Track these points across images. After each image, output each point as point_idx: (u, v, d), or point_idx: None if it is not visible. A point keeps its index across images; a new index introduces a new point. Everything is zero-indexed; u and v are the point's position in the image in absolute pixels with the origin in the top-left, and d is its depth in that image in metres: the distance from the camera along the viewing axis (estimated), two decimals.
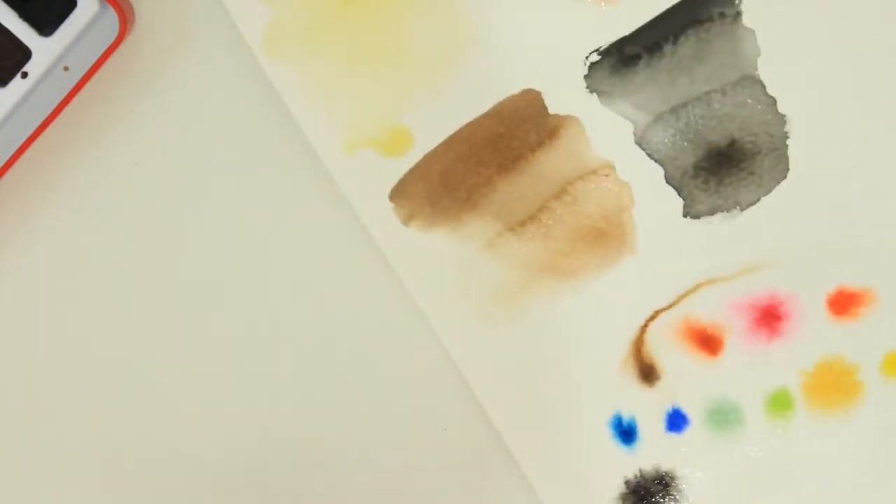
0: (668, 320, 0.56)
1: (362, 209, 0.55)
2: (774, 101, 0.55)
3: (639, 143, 0.55)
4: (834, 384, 0.56)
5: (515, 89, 0.55)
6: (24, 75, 0.53)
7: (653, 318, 0.56)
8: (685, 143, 0.55)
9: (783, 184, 0.55)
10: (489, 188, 0.55)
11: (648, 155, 0.55)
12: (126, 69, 0.55)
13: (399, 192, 0.55)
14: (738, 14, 0.54)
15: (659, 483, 0.56)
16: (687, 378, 0.56)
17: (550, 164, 0.55)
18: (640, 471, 0.56)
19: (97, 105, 0.55)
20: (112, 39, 0.53)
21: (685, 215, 0.56)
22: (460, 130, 0.55)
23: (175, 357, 0.58)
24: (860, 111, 0.54)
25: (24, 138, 0.54)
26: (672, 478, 0.56)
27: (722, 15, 0.54)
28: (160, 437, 0.57)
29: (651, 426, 0.56)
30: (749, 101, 0.55)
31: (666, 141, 0.55)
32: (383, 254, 0.56)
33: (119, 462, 0.57)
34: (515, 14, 0.54)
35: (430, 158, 0.55)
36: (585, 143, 0.55)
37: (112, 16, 0.53)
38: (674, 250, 0.56)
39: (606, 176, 0.56)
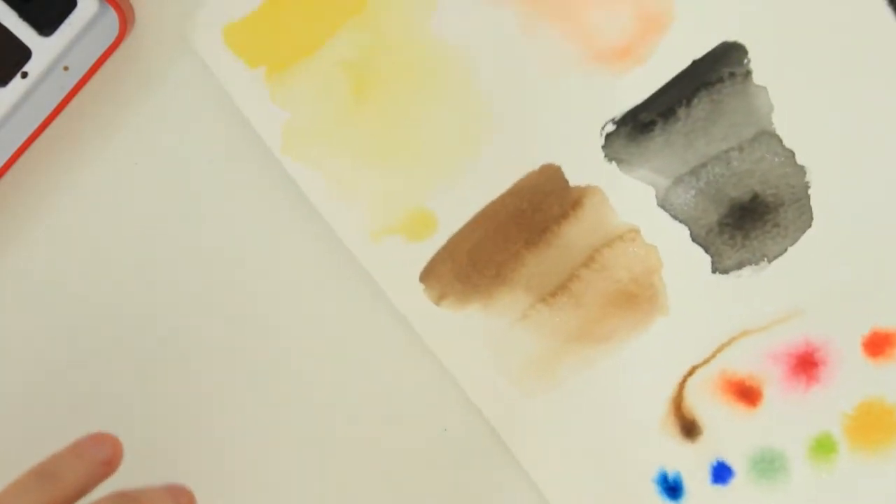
0: (706, 375, 0.57)
1: (394, 293, 0.56)
2: (792, 153, 0.55)
3: (661, 205, 0.56)
4: (876, 425, 0.56)
5: (534, 165, 0.56)
6: (24, 75, 0.53)
7: (690, 373, 0.57)
8: (708, 202, 0.55)
9: (808, 232, 0.56)
10: (518, 262, 0.56)
11: (672, 216, 0.56)
12: (126, 69, 0.55)
13: (429, 274, 0.56)
14: (748, 73, 0.54)
15: None
16: (729, 430, 0.57)
17: (576, 234, 0.56)
18: None
19: (97, 105, 0.55)
20: (112, 39, 0.53)
21: (714, 271, 0.56)
22: (484, 210, 0.56)
23: (175, 357, 0.58)
24: (877, 155, 0.54)
25: (24, 138, 0.54)
26: None
27: (732, 75, 0.55)
28: (159, 451, 0.58)
29: (697, 480, 0.57)
30: (767, 155, 0.55)
31: (688, 201, 0.55)
32: (419, 335, 0.56)
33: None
34: (528, 92, 0.55)
35: (456, 239, 0.56)
36: (609, 211, 0.56)
37: (112, 16, 0.53)
38: (706, 306, 0.56)
39: (633, 240, 0.56)
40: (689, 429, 0.57)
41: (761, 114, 0.55)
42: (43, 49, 0.53)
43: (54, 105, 0.53)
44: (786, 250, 0.56)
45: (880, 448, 0.56)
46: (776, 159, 0.55)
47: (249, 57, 0.55)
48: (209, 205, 0.57)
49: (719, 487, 0.57)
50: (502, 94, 0.55)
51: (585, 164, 0.55)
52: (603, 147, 0.55)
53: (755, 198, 0.56)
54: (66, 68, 0.53)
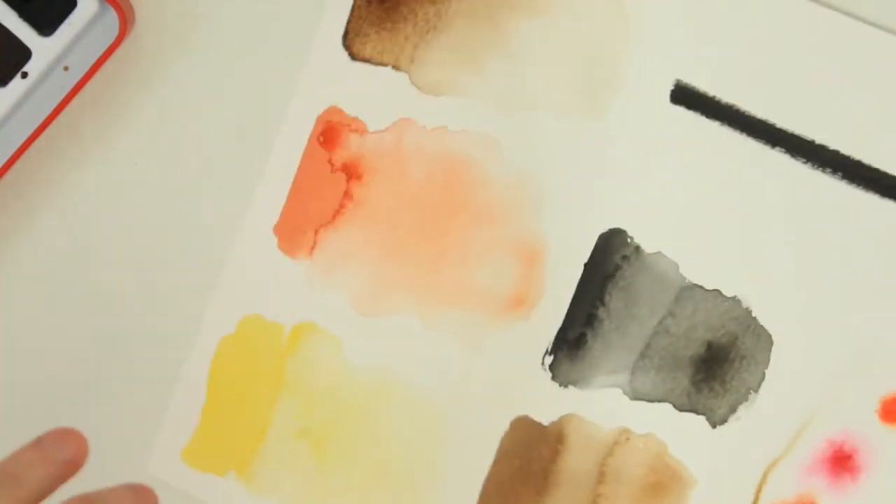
0: None
1: None
2: (718, 291, 0.55)
3: (635, 398, 0.56)
4: None
5: (504, 425, 0.56)
6: (24, 75, 0.53)
7: None
8: (671, 372, 0.56)
9: (774, 349, 0.56)
10: None
11: (650, 401, 0.56)
12: (126, 69, 0.55)
13: None
14: (637, 248, 0.55)
15: None
16: None
17: (576, 462, 0.57)
18: None
19: (97, 105, 0.55)
20: (112, 39, 0.53)
21: (714, 426, 0.56)
22: (485, 486, 0.57)
23: (174, 357, 0.58)
24: (791, 253, 0.55)
25: (24, 138, 0.54)
26: None
27: (625, 257, 0.55)
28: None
29: None
30: (698, 306, 0.55)
31: (655, 381, 0.56)
32: None
33: None
34: (470, 381, 0.56)
35: None
36: (592, 427, 0.56)
37: (112, 16, 0.53)
38: (724, 460, 0.56)
39: (627, 440, 0.57)
40: None
41: (670, 274, 0.55)
42: (43, 49, 0.53)
43: (54, 105, 0.53)
44: (764, 374, 0.56)
45: None
46: (707, 304, 0.55)
47: (215, 467, 0.57)
48: (208, 205, 0.56)
49: None
50: (445, 394, 0.56)
51: (547, 401, 0.56)
52: (553, 378, 0.56)
53: (710, 345, 0.56)
54: (66, 68, 0.53)
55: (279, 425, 0.57)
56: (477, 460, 0.57)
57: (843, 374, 0.56)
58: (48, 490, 0.44)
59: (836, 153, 0.54)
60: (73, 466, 0.45)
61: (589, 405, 0.57)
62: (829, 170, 0.55)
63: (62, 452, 0.45)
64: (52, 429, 0.46)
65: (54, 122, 0.54)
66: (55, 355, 0.58)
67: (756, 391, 0.56)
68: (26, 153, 0.54)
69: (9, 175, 0.55)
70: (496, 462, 0.57)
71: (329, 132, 0.55)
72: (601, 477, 0.57)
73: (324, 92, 0.55)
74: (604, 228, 0.55)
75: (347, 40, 0.55)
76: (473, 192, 0.55)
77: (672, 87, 0.55)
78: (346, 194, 0.55)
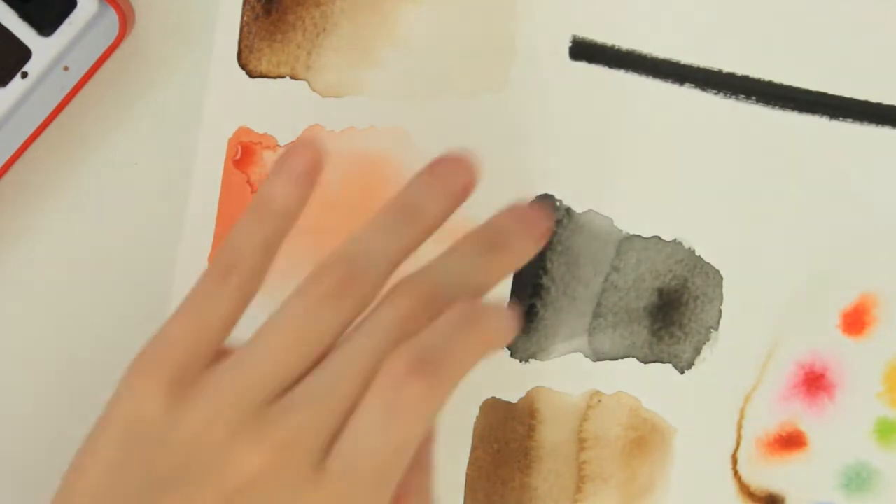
0: (747, 454, 0.56)
1: None
2: (658, 237, 0.55)
3: (598, 359, 0.56)
4: None
5: (474, 413, 0.56)
6: (24, 75, 0.52)
7: (735, 463, 0.56)
8: (629, 326, 0.55)
9: (725, 284, 0.55)
10: (530, 492, 0.57)
11: (614, 359, 0.56)
12: (126, 69, 0.55)
13: None
14: (568, 209, 0.55)
15: None
16: (804, 479, 0.56)
17: (552, 434, 0.56)
18: None
19: (97, 105, 0.55)
20: (112, 39, 0.52)
21: (682, 372, 0.56)
22: (468, 475, 0.57)
23: None
24: (722, 186, 0.54)
25: (23, 138, 0.53)
26: None
27: (558, 222, 0.55)
28: None
29: None
30: (639, 256, 0.55)
31: (614, 339, 0.56)
32: None
33: None
34: None
35: None
36: (561, 396, 0.56)
37: (112, 16, 0.52)
38: (700, 401, 0.56)
39: (599, 401, 0.56)
40: (771, 502, 0.56)
41: (607, 230, 0.55)
42: (43, 49, 0.52)
43: (54, 105, 0.53)
44: (721, 311, 0.56)
45: None
46: (650, 252, 0.55)
47: None
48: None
49: None
50: None
51: (512, 378, 0.56)
52: (512, 355, 0.56)
53: (661, 293, 0.55)
54: (66, 68, 0.53)
55: None
56: (455, 452, 0.57)
57: (799, 296, 0.55)
58: (445, 218, 0.45)
59: (745, 79, 0.54)
60: (466, 193, 0.45)
61: (554, 375, 0.56)
62: (742, 96, 0.54)
63: (458, 179, 0.45)
64: (442, 155, 0.46)
65: (54, 123, 0.54)
66: (54, 356, 0.57)
67: (716, 329, 0.56)
68: (26, 153, 0.54)
69: (9, 175, 0.54)
70: (474, 449, 0.57)
71: (243, 153, 0.55)
72: (582, 444, 0.57)
73: (230, 114, 0.55)
74: (530, 197, 0.55)
75: (242, 59, 0.55)
76: (392, 186, 0.54)
77: (570, 45, 0.54)
78: None
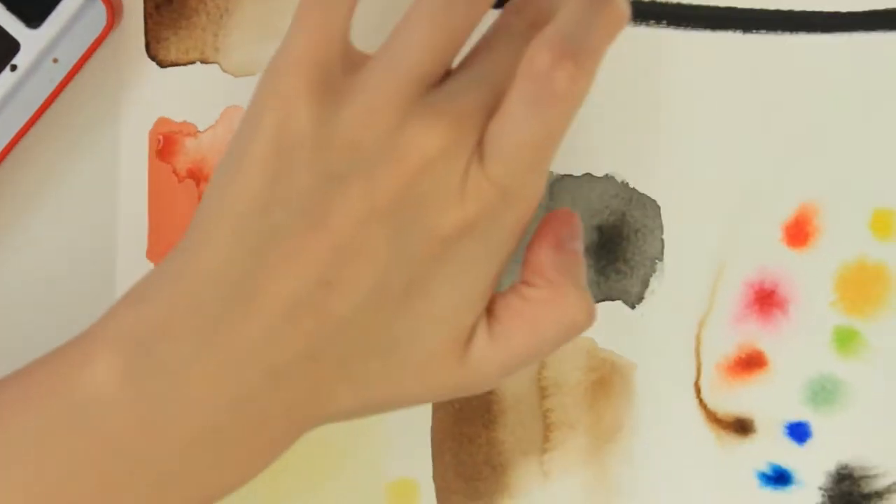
0: (710, 381, 0.56)
1: None
2: (589, 174, 0.55)
3: None
4: (859, 288, 0.55)
5: None
6: (14, 68, 0.52)
7: (698, 391, 0.56)
8: None
9: (663, 212, 0.55)
10: (497, 445, 0.56)
11: None
12: (115, 60, 0.54)
13: None
14: None
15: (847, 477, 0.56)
16: (770, 397, 0.56)
17: (511, 385, 0.56)
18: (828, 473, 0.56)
19: (87, 97, 0.55)
20: (101, 30, 0.52)
21: (633, 307, 0.56)
22: (433, 438, 0.56)
23: None
24: (642, 112, 0.54)
25: (14, 132, 0.53)
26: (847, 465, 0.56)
27: None
28: None
29: (783, 449, 0.56)
30: (574, 195, 0.55)
31: None
32: None
33: None
34: None
35: (437, 475, 0.56)
36: None
37: (99, 6, 0.52)
38: (654, 335, 0.56)
39: None
40: (740, 426, 0.56)
41: None
42: (31, 41, 0.52)
43: (44, 97, 0.53)
44: (663, 241, 0.55)
45: (880, 298, 0.55)
46: (583, 190, 0.55)
47: None
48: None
49: (810, 442, 0.56)
50: None
51: None
52: None
53: (601, 230, 0.55)
54: (55, 60, 0.53)
55: None
56: (415, 417, 0.56)
57: (738, 215, 0.55)
58: None
59: (650, 3, 0.54)
60: None
61: None
62: (652, 22, 0.54)
63: None
64: None
65: (44, 115, 0.53)
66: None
67: (661, 259, 0.55)
68: (16, 147, 0.54)
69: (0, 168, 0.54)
70: (435, 411, 0.56)
71: (164, 144, 0.55)
72: (543, 392, 0.56)
73: (146, 107, 0.55)
74: None
75: (151, 50, 0.54)
76: None
77: None
78: (200, 198, 0.54)
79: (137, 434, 0.42)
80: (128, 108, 0.54)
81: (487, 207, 0.43)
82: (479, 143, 0.43)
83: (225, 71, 0.54)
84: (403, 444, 0.56)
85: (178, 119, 0.55)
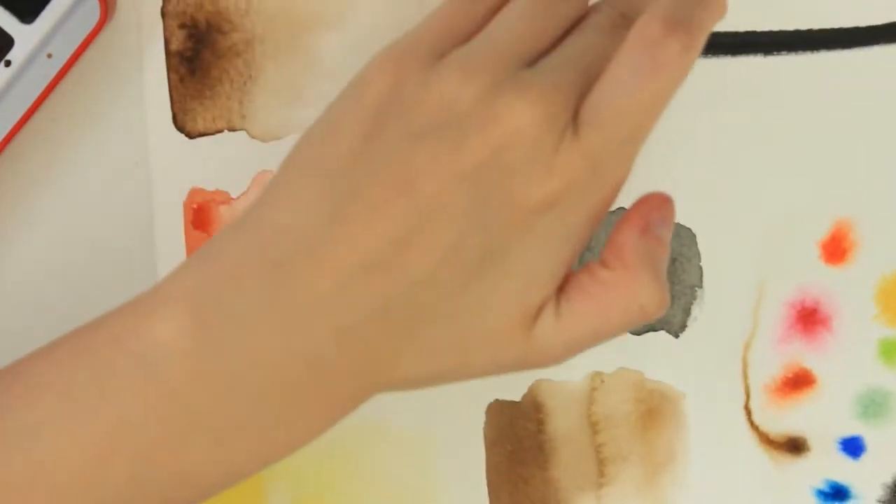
0: (759, 403, 0.56)
1: None
2: (622, 208, 0.55)
3: None
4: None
5: (481, 413, 0.56)
6: (8, 63, 0.52)
7: (749, 414, 0.56)
8: None
9: (699, 240, 0.55)
10: (551, 484, 0.57)
11: None
12: (109, 54, 0.54)
13: None
14: None
15: None
16: (819, 415, 0.56)
17: (563, 424, 0.56)
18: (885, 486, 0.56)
19: (81, 92, 0.55)
20: (94, 24, 0.52)
21: (676, 336, 0.56)
22: (489, 480, 0.56)
23: None
24: (673, 138, 0.54)
25: (9, 127, 0.53)
26: None
27: None
28: None
29: (838, 466, 0.56)
30: (607, 231, 0.55)
31: None
32: None
33: None
34: None
35: None
36: (563, 385, 0.56)
37: (93, 1, 0.52)
38: (701, 361, 0.56)
39: (602, 382, 0.56)
40: (793, 446, 0.56)
41: None
42: (25, 36, 0.52)
43: (38, 93, 0.53)
44: (701, 268, 0.55)
45: None
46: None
47: None
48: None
49: (865, 455, 0.56)
50: (415, 413, 0.56)
51: (511, 380, 0.56)
52: None
53: None
54: (49, 56, 0.52)
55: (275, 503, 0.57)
56: (470, 460, 0.57)
57: (774, 237, 0.55)
58: None
59: None
60: None
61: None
62: None
63: None
64: None
65: (38, 111, 0.53)
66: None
67: (700, 286, 0.55)
68: (11, 143, 0.53)
69: None
70: (489, 453, 0.57)
71: (199, 213, 0.55)
72: (594, 427, 0.56)
73: (178, 179, 0.55)
74: None
75: (178, 122, 0.55)
76: None
77: None
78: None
79: (202, 385, 0.42)
80: (160, 179, 0.55)
81: (575, 183, 0.42)
82: (573, 119, 0.43)
83: (252, 137, 0.55)
84: (460, 489, 0.57)
85: (211, 188, 0.55)
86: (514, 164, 0.42)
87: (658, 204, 0.46)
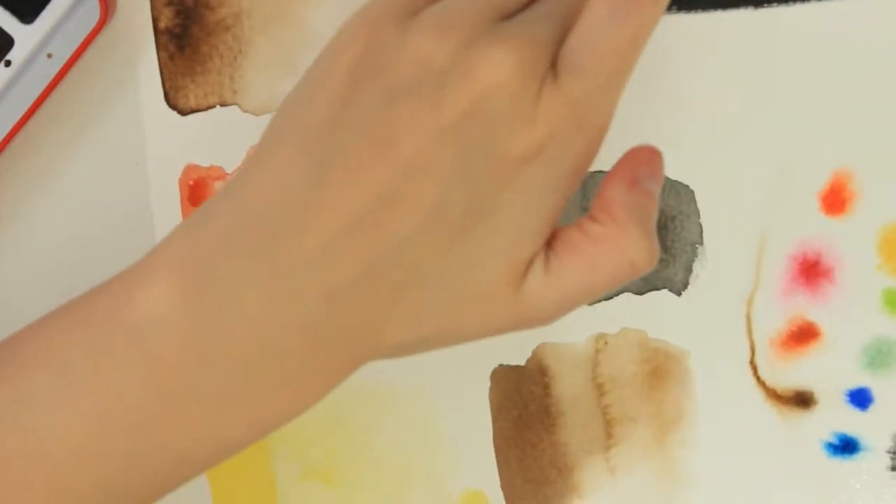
0: (764, 357, 0.56)
1: None
2: None
3: (592, 302, 0.55)
4: None
5: (487, 385, 0.56)
6: (8, 63, 0.52)
7: (755, 369, 0.56)
8: None
9: (698, 198, 0.55)
10: (560, 448, 0.56)
11: (608, 298, 0.56)
12: (109, 54, 0.55)
13: None
14: None
15: None
16: (826, 368, 0.56)
17: (569, 387, 0.56)
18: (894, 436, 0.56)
19: (82, 92, 0.55)
20: (94, 24, 0.52)
21: (679, 293, 0.56)
22: (496, 446, 0.56)
23: None
24: (662, 98, 0.54)
25: (9, 127, 0.53)
26: None
27: None
28: None
29: (846, 418, 0.56)
30: None
31: None
32: None
33: None
34: None
35: (506, 486, 0.57)
36: (567, 347, 0.56)
37: (93, 1, 0.52)
38: (705, 317, 0.56)
39: (605, 343, 0.56)
40: (801, 400, 0.56)
41: None
42: (25, 36, 0.52)
43: (39, 92, 0.53)
44: (700, 225, 0.55)
45: None
46: None
47: None
48: None
49: (873, 407, 0.56)
50: (419, 380, 0.56)
51: (512, 341, 0.56)
52: None
53: None
54: (49, 56, 0.53)
55: (283, 475, 0.57)
56: (477, 427, 0.56)
57: (772, 191, 0.55)
58: None
59: None
60: None
61: (553, 328, 0.55)
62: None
63: None
64: None
65: (39, 111, 0.53)
66: None
67: (701, 243, 0.55)
68: (11, 143, 0.54)
69: None
70: (495, 419, 0.56)
71: (195, 190, 0.55)
72: (600, 389, 0.56)
73: (173, 156, 0.55)
74: None
75: (170, 99, 0.55)
76: None
77: None
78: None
79: (195, 355, 0.42)
80: (155, 157, 0.55)
81: (558, 131, 0.42)
82: (553, 66, 0.42)
83: (245, 111, 0.55)
84: (468, 456, 0.57)
85: (205, 164, 0.55)
86: (495, 115, 0.42)
87: (646, 158, 0.46)
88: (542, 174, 0.43)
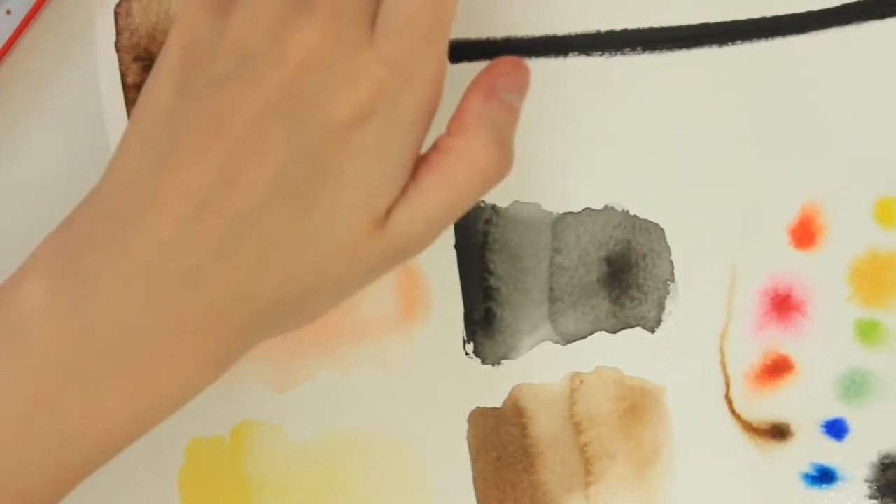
0: (739, 391, 0.56)
1: None
2: (588, 209, 0.55)
3: (568, 341, 0.56)
4: (875, 281, 0.55)
5: (465, 428, 0.56)
6: None
7: (730, 403, 0.56)
8: (589, 301, 0.55)
9: (667, 234, 0.55)
10: (539, 486, 0.57)
11: (582, 338, 0.56)
12: (66, 11, 0.55)
13: None
14: (493, 206, 0.55)
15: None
16: (801, 400, 0.56)
17: (546, 426, 0.56)
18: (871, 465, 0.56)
19: (41, 49, 0.55)
20: None
21: (653, 331, 0.56)
22: (477, 488, 0.57)
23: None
24: (629, 141, 0.54)
25: None
26: (889, 454, 0.56)
27: (488, 221, 0.55)
28: None
29: (822, 447, 0.56)
30: (576, 231, 0.55)
31: (577, 317, 0.56)
32: None
33: None
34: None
35: None
36: (543, 388, 0.56)
37: None
38: (680, 354, 0.56)
39: (582, 383, 0.56)
40: (777, 432, 0.56)
41: (537, 216, 0.55)
42: None
43: None
44: (671, 262, 0.55)
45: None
46: (585, 225, 0.55)
47: None
48: None
49: (849, 437, 0.56)
50: (396, 424, 0.56)
51: (489, 384, 0.56)
52: (483, 362, 0.56)
53: (609, 261, 0.55)
54: (8, 12, 0.53)
55: None
56: (456, 470, 0.57)
57: (742, 226, 0.55)
58: None
59: (622, 32, 0.54)
60: None
61: (529, 370, 0.56)
62: (626, 50, 0.54)
63: None
64: None
65: None
66: None
67: (672, 280, 0.56)
68: None
69: None
70: (474, 462, 0.57)
71: None
72: (577, 427, 0.57)
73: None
74: None
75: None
76: None
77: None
78: None
79: (63, 345, 0.43)
80: (112, 110, 0.55)
81: (383, 91, 0.43)
82: (370, 28, 0.44)
83: None
84: (449, 500, 0.57)
85: None
86: (315, 85, 0.43)
87: (508, 69, 0.46)
88: (379, 133, 0.44)
